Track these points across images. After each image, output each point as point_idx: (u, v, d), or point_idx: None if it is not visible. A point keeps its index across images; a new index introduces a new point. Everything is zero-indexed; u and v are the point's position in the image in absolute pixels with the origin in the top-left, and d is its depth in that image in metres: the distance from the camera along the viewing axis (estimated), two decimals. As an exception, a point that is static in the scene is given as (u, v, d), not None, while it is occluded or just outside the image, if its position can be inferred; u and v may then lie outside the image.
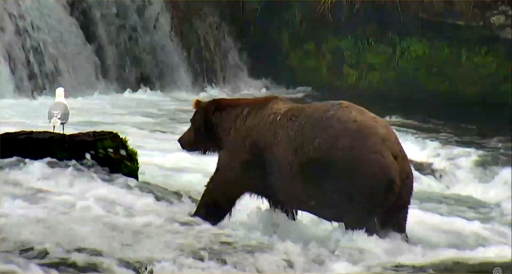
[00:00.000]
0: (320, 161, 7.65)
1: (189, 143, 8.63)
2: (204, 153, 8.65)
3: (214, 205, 8.23)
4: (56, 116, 9.80)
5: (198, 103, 8.59)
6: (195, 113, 8.58)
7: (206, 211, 8.23)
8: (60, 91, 10.25)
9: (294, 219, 8.31)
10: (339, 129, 7.64)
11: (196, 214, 8.27)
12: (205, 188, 8.32)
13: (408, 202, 7.83)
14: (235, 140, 8.16)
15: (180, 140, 8.72)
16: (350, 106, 7.84)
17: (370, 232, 7.67)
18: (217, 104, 8.47)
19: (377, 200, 7.62)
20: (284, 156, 7.84)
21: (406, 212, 7.87)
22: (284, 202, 8.16)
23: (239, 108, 8.30)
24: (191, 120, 8.63)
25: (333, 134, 7.64)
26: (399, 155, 7.67)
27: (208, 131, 8.42)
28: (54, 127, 9.77)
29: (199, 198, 8.42)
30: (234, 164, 8.14)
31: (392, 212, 7.76)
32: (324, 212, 7.88)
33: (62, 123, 9.85)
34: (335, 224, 7.95)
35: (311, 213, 8.06)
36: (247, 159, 8.07)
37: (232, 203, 8.23)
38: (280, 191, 7.99)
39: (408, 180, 7.74)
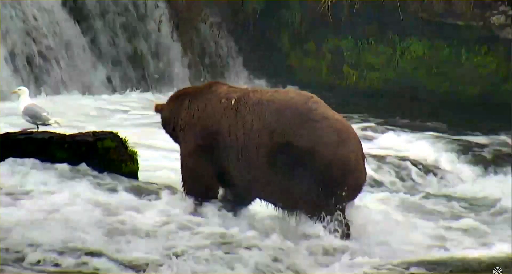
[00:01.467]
0: (302, 149, 7.79)
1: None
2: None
3: (197, 195, 8.34)
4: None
5: (157, 107, 8.80)
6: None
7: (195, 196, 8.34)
8: (24, 91, 10.18)
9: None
10: (325, 125, 7.85)
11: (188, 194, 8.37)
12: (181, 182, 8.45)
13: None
14: (185, 133, 8.30)
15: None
16: (320, 101, 8.10)
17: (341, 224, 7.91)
18: (162, 105, 8.69)
19: (349, 197, 7.91)
20: (250, 139, 7.94)
21: None
22: (238, 189, 8.22)
23: (180, 98, 8.48)
24: None
25: (320, 128, 7.83)
26: (364, 157, 8.09)
27: (167, 128, 8.65)
28: (38, 127, 9.76)
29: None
30: (191, 158, 8.24)
31: None
32: (279, 196, 8.00)
33: (38, 124, 9.85)
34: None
35: (262, 198, 8.17)
36: (200, 149, 8.16)
37: (212, 191, 8.31)
38: (237, 176, 8.07)
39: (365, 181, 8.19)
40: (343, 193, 7.84)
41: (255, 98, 8.07)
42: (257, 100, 8.04)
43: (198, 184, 8.29)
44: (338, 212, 7.89)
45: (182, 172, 8.40)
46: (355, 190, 8.00)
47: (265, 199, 8.20)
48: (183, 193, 8.42)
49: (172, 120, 8.51)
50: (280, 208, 8.14)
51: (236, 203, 8.34)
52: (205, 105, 8.21)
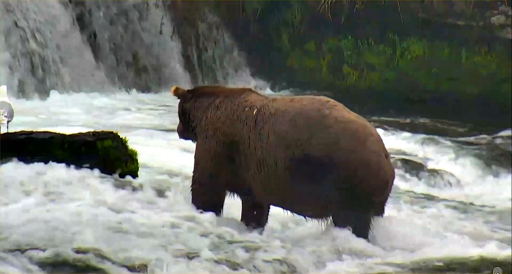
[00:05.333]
0: (319, 159, 7.61)
1: (181, 132, 8.66)
2: (193, 141, 8.60)
3: (203, 199, 8.23)
4: (3, 115, 9.79)
5: (176, 91, 8.58)
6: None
7: (201, 205, 8.22)
8: (3, 89, 10.20)
9: (266, 218, 8.29)
10: (339, 130, 7.65)
11: (193, 202, 8.26)
12: (191, 185, 8.32)
13: (388, 195, 7.99)
14: (207, 132, 8.13)
15: (177, 129, 8.74)
16: (337, 104, 7.88)
17: (365, 229, 7.75)
18: (193, 92, 8.50)
19: (375, 198, 7.74)
20: (267, 151, 7.79)
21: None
22: (257, 198, 8.09)
23: (212, 96, 8.28)
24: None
25: (334, 134, 7.63)
26: (388, 154, 7.82)
27: (185, 118, 8.44)
28: (0, 126, 9.75)
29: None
30: (207, 159, 8.12)
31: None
32: (305, 207, 7.86)
33: (8, 121, 9.85)
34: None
35: (285, 208, 8.04)
36: (219, 153, 8.04)
37: (219, 197, 8.21)
38: (256, 186, 7.94)
39: (393, 178, 7.92)
40: (371, 196, 7.66)
41: (272, 108, 7.87)
42: (274, 111, 7.85)
43: (210, 193, 8.18)
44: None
45: (196, 174, 8.25)
46: (383, 191, 7.75)
47: (291, 210, 8.02)
48: (190, 195, 8.34)
49: (193, 113, 8.33)
50: (309, 217, 7.97)
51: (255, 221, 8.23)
52: (233, 111, 8.04)
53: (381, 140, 7.82)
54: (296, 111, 7.80)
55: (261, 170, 7.84)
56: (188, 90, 8.59)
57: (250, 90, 8.33)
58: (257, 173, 7.87)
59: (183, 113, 8.46)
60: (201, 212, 8.12)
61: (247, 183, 7.99)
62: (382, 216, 7.92)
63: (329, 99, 7.95)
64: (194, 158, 8.32)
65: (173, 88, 8.64)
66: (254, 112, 7.95)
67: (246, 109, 8.01)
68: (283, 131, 7.77)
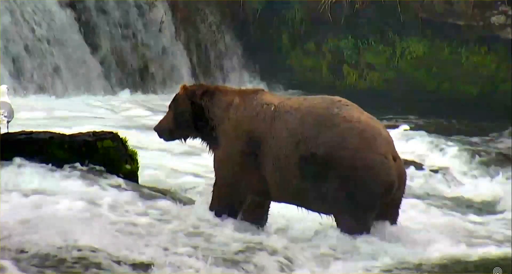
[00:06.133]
0: (324, 157, 7.66)
1: (168, 131, 8.45)
2: (185, 140, 8.51)
3: (225, 204, 8.18)
4: (3, 115, 9.80)
5: (186, 88, 8.40)
6: (177, 98, 8.39)
7: (220, 208, 8.18)
8: (3, 89, 10.19)
9: (266, 218, 8.27)
10: (345, 129, 7.69)
11: (211, 208, 8.19)
12: (213, 186, 8.26)
13: (401, 200, 7.96)
14: (230, 137, 8.08)
15: (157, 129, 8.53)
16: (349, 104, 7.91)
17: (365, 230, 7.75)
18: (204, 88, 8.36)
19: (376, 200, 7.72)
20: (281, 148, 7.83)
21: (399, 208, 7.99)
22: (274, 197, 8.08)
23: (229, 96, 8.21)
24: (172, 105, 8.44)
25: (340, 133, 7.68)
26: (397, 156, 7.80)
27: (196, 115, 8.28)
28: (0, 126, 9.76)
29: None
30: (232, 164, 8.08)
31: (386, 208, 7.84)
32: (315, 205, 7.87)
33: (8, 121, 9.85)
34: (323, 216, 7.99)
35: (300, 206, 8.03)
36: (245, 152, 8.01)
37: (241, 202, 8.17)
38: (272, 184, 7.94)
39: (402, 180, 7.87)
40: (372, 197, 7.63)
41: (287, 106, 7.93)
42: (288, 109, 7.91)
43: (231, 197, 8.14)
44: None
45: (219, 177, 8.17)
46: (386, 192, 7.70)
47: (306, 208, 8.02)
48: (213, 192, 8.26)
49: (213, 111, 8.22)
50: (324, 214, 7.97)
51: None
52: (252, 109, 8.03)
53: (391, 142, 7.82)
54: (306, 109, 7.86)
55: (276, 168, 7.87)
56: (196, 86, 8.46)
57: (262, 90, 8.36)
58: (273, 172, 7.90)
59: (195, 110, 8.30)
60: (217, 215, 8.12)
61: (266, 182, 7.99)
62: (395, 219, 7.91)
63: (341, 98, 7.97)
64: (217, 160, 8.20)
65: (181, 86, 8.50)
66: (272, 109, 7.98)
67: (265, 106, 8.03)
68: (293, 129, 7.83)
